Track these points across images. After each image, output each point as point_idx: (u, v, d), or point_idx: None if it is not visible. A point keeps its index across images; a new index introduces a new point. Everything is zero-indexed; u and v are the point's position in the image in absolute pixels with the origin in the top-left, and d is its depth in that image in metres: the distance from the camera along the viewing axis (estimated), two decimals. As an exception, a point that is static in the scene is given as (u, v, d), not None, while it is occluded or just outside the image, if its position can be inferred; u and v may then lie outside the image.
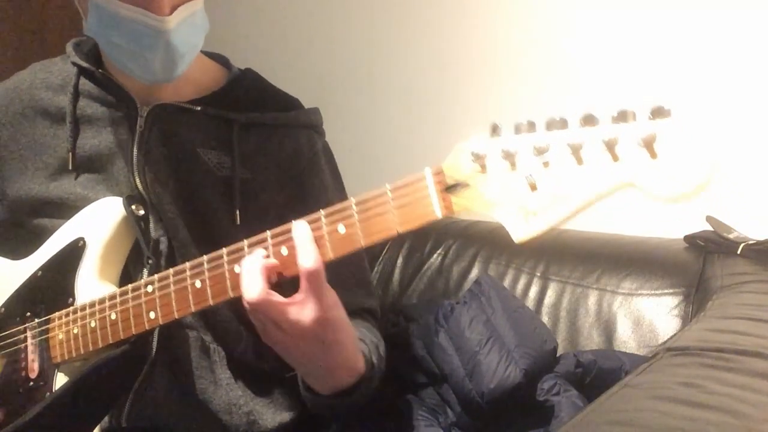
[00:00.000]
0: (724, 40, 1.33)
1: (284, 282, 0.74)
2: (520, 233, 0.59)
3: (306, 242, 0.70)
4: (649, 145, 0.53)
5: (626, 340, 1.13)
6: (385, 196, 0.67)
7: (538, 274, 1.27)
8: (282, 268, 0.73)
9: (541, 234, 0.59)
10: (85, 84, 1.00)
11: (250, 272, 0.72)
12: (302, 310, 0.72)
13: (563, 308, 1.22)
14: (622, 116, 0.55)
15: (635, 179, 0.54)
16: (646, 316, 1.13)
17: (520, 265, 1.30)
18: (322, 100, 1.09)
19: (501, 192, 0.60)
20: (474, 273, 1.34)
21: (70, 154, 0.97)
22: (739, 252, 1.09)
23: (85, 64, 0.99)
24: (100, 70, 0.98)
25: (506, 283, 1.29)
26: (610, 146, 0.54)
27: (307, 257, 0.70)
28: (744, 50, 1.31)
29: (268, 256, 0.74)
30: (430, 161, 0.67)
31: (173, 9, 0.86)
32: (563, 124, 0.57)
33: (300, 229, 0.71)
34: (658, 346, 0.97)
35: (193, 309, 0.78)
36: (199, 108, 0.97)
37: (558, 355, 1.07)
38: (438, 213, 0.64)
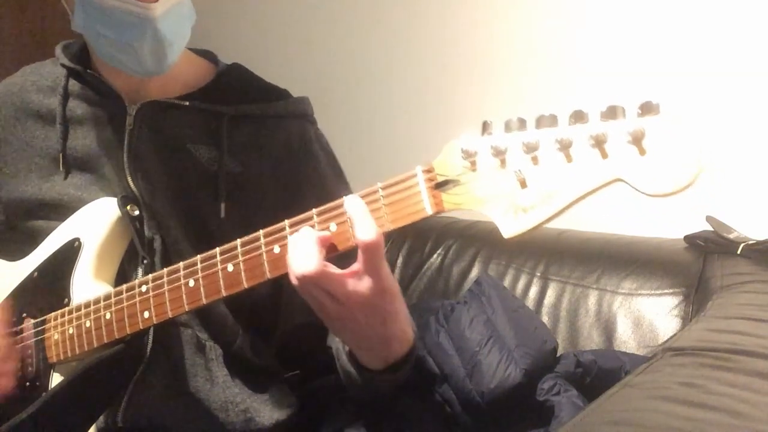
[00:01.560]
0: (719, 37, 1.33)
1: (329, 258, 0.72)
2: (509, 229, 0.60)
3: (364, 215, 0.68)
4: (637, 141, 0.54)
5: (626, 340, 1.13)
6: (376, 194, 0.67)
7: (538, 274, 1.27)
8: (336, 242, 0.71)
9: (531, 230, 0.59)
10: (74, 85, 1.00)
11: (304, 245, 0.70)
12: (360, 281, 0.71)
13: (563, 308, 1.22)
14: (611, 112, 0.55)
15: (623, 175, 0.54)
16: (646, 316, 1.13)
17: (520, 265, 1.30)
18: (316, 98, 1.09)
19: (491, 189, 0.61)
20: (474, 273, 1.34)
21: (61, 155, 0.97)
22: (739, 252, 1.09)
23: (72, 65, 0.99)
24: (88, 70, 0.98)
25: (506, 283, 1.29)
26: (599, 143, 0.55)
27: (367, 230, 0.68)
28: (740, 48, 1.31)
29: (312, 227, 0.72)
30: (423, 158, 0.67)
31: None
32: (553, 120, 0.58)
33: (355, 203, 0.69)
34: (658, 346, 0.97)
35: (186, 308, 0.79)
36: (187, 103, 0.96)
37: (558, 355, 1.07)
38: (428, 210, 0.65)
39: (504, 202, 0.60)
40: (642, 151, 0.54)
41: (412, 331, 0.83)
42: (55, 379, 0.90)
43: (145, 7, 0.85)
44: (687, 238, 1.19)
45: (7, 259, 1.02)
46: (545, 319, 1.22)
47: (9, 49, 2.16)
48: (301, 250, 0.70)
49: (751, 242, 1.09)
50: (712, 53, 1.34)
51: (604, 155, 0.55)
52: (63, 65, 1.01)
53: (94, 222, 0.93)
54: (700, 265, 1.12)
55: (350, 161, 1.13)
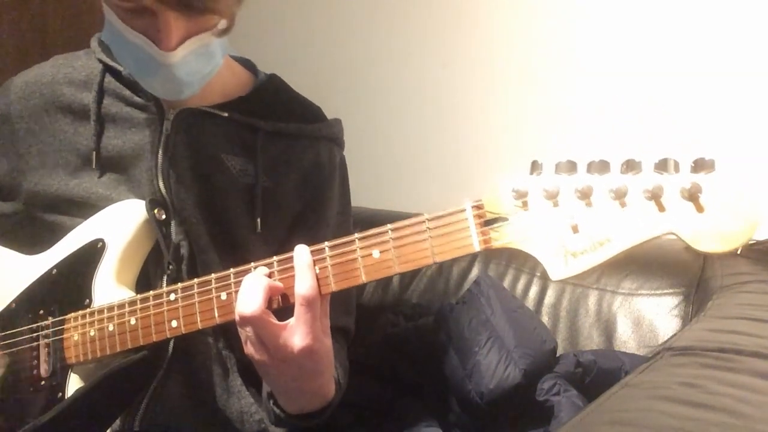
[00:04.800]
0: (719, 37, 1.33)
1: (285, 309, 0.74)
2: (558, 272, 0.61)
3: (304, 268, 0.71)
4: (694, 198, 0.55)
5: (626, 340, 1.13)
6: (423, 225, 0.68)
7: (538, 274, 1.27)
8: (290, 294, 0.74)
9: (579, 274, 0.61)
10: (110, 82, 0.98)
11: (252, 287, 0.72)
12: (292, 336, 0.72)
13: (563, 308, 1.22)
14: (663, 165, 0.56)
15: (679, 230, 0.56)
16: (646, 316, 1.13)
17: (520, 265, 1.30)
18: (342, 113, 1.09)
19: (542, 230, 0.62)
20: (474, 273, 1.34)
21: (94, 153, 0.95)
22: (739, 252, 1.09)
23: (112, 63, 0.97)
24: (127, 70, 0.96)
25: (506, 283, 1.28)
26: (655, 196, 0.56)
27: (303, 283, 0.71)
28: (740, 48, 1.31)
29: (271, 275, 0.75)
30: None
31: (182, 41, 0.83)
32: (604, 166, 0.59)
33: (300, 254, 0.72)
34: (658, 346, 0.97)
35: (218, 321, 0.78)
36: (226, 114, 0.96)
37: (558, 355, 1.07)
38: (476, 246, 0.66)
39: (554, 245, 0.61)
40: (699, 209, 0.55)
41: (335, 389, 0.84)
42: (72, 380, 0.89)
43: (162, 54, 0.82)
44: (687, 238, 1.19)
45: (23, 252, 1.00)
46: (545, 319, 1.22)
47: (9, 49, 2.16)
48: (247, 291, 0.72)
49: (751, 242, 1.09)
50: (712, 53, 1.34)
51: (661, 209, 0.56)
52: (100, 60, 0.98)
53: (120, 224, 0.91)
54: (700, 265, 1.12)
55: (372, 174, 1.12)
